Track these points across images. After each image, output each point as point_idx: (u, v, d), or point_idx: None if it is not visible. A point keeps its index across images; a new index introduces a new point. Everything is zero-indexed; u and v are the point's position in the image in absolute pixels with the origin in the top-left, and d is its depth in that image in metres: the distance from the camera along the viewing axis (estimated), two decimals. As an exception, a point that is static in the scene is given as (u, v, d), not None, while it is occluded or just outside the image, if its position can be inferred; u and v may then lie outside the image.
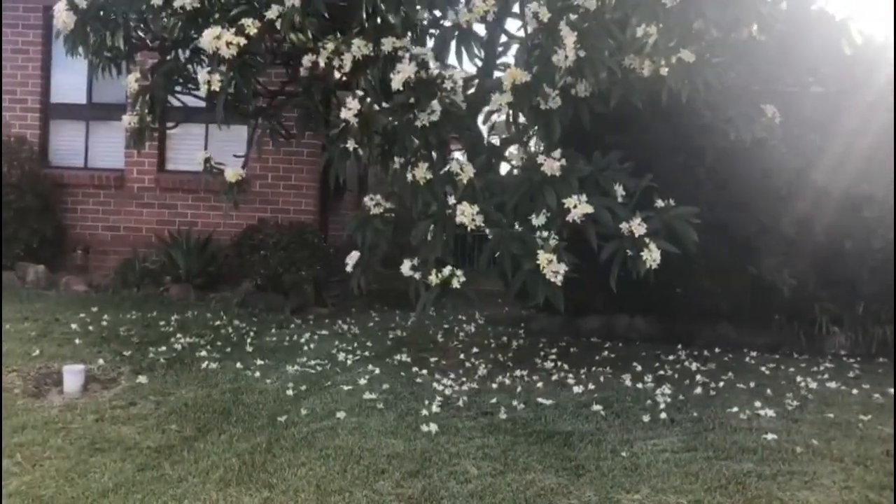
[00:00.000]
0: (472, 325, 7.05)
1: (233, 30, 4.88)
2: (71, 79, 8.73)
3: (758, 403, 4.60)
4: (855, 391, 5.05)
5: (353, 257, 5.52)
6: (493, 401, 4.59)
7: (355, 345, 6.03)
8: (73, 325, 6.04)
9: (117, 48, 5.77)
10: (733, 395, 4.89)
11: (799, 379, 5.31)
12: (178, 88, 5.92)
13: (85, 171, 8.69)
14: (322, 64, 5.00)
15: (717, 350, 6.35)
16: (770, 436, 4.02)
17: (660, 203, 5.09)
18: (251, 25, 4.89)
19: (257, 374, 5.05)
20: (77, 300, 7.25)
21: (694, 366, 5.66)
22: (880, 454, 3.85)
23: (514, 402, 4.54)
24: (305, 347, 5.89)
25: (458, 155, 7.20)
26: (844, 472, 3.60)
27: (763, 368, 5.69)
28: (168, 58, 6.02)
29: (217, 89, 4.90)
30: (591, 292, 6.48)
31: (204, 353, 5.53)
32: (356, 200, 9.83)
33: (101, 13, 5.69)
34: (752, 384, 5.14)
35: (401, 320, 7.27)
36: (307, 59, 5.19)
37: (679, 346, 6.37)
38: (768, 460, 3.72)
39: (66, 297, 7.41)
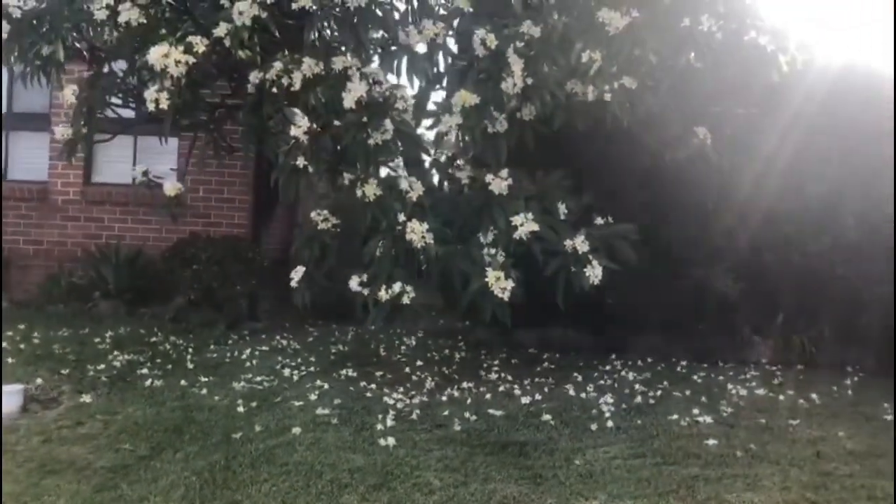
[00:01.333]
0: (411, 338, 7.12)
1: (181, 47, 4.84)
2: (-13, 87, 8.41)
3: (696, 410, 4.84)
4: (781, 397, 5.36)
5: (297, 272, 5.51)
6: (446, 413, 4.68)
7: (299, 360, 6.02)
8: (3, 344, 5.82)
9: (49, 57, 5.63)
10: (671, 402, 5.12)
11: (730, 386, 5.60)
12: (116, 101, 5.81)
13: (5, 182, 8.36)
14: (271, 81, 5.00)
15: (649, 360, 6.61)
16: (711, 441, 4.24)
17: (599, 220, 5.31)
18: (199, 43, 4.86)
19: (204, 391, 5.00)
20: None
21: (630, 375, 5.89)
22: (811, 456, 4.11)
23: (466, 414, 4.64)
24: (248, 363, 5.85)
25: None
26: (782, 473, 3.84)
27: (695, 377, 5.97)
28: (104, 70, 5.92)
29: (165, 106, 4.85)
30: (526, 305, 6.68)
31: (145, 370, 5.42)
32: (288, 214, 9.80)
33: (35, 22, 5.55)
34: (687, 392, 5.39)
35: (340, 335, 7.27)
36: (254, 76, 5.18)
37: (613, 356, 6.60)
38: (712, 464, 3.93)
39: (-12, 314, 7.11)
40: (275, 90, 5.04)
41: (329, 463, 3.81)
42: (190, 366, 5.67)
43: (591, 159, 6.46)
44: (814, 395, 5.36)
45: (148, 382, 5.12)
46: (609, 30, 4.81)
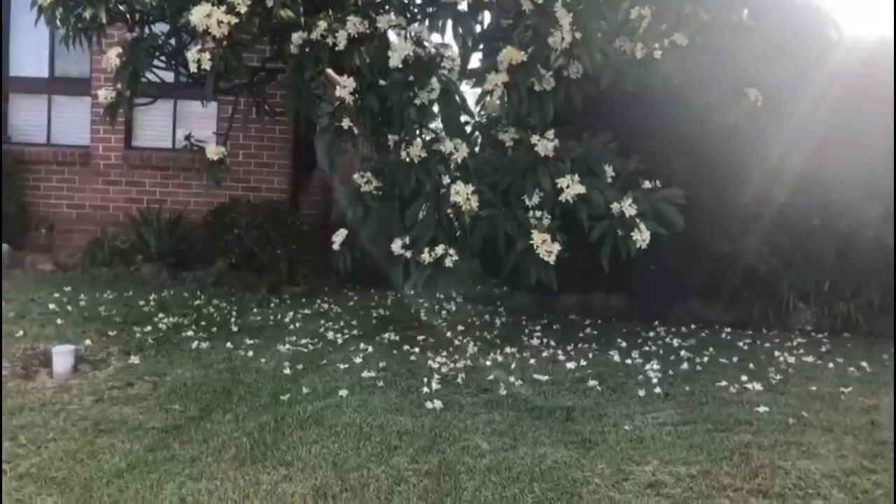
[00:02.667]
0: (451, 303, 7.10)
1: (223, 7, 4.80)
2: (30, 52, 8.45)
3: (744, 377, 4.77)
4: (830, 365, 5.27)
5: (339, 235, 5.50)
6: (490, 377, 4.67)
7: (341, 323, 6.03)
8: (51, 305, 5.90)
9: (92, 20, 5.62)
10: (718, 369, 5.06)
11: (776, 354, 5.51)
12: (159, 64, 5.80)
13: (47, 147, 8.43)
14: (315, 41, 4.95)
15: (692, 326, 6.53)
16: (762, 408, 4.18)
17: (647, 184, 5.20)
18: (241, 3, 4.81)
19: (250, 353, 5.02)
20: (46, 280, 7.07)
21: (675, 342, 5.82)
22: (865, 424, 4.03)
23: (512, 379, 4.62)
24: (291, 326, 5.87)
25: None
26: (836, 441, 3.77)
27: (740, 344, 5.88)
28: (146, 32, 5.90)
29: (208, 68, 4.81)
30: (567, 270, 6.61)
31: (190, 332, 5.46)
32: (326, 179, 9.79)
33: (80, -15, 5.54)
34: (734, 359, 5.32)
35: (380, 299, 7.27)
36: (297, 37, 5.13)
37: (656, 323, 6.53)
38: (764, 431, 3.87)
39: (34, 277, 7.22)
40: (318, 51, 4.99)
41: (377, 425, 3.82)
42: (234, 329, 5.70)
43: (637, 122, 6.32)
44: (864, 363, 5.27)
45: (194, 345, 5.15)
46: (660, -15, 4.68)
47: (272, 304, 6.73)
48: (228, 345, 5.19)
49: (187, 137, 5.98)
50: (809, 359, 5.40)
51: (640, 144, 6.07)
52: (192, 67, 4.90)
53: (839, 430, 3.93)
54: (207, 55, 4.84)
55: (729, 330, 6.49)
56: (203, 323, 5.80)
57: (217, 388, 4.32)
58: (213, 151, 5.71)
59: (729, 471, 3.39)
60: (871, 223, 6.84)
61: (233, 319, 5.96)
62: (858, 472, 3.40)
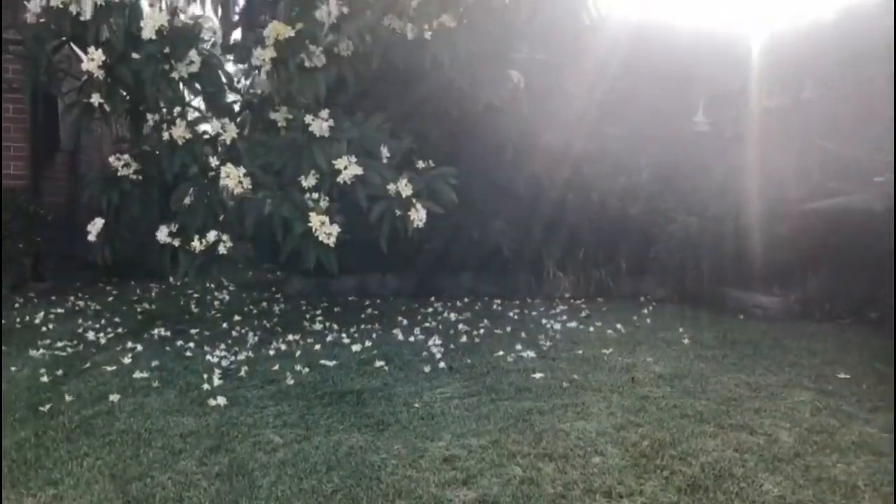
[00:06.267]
0: (223, 292, 6.77)
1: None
2: None
3: (518, 346, 5.01)
4: (591, 329, 5.69)
5: (95, 225, 5.05)
6: (275, 367, 4.50)
7: (102, 321, 5.52)
8: None
9: None
10: (494, 340, 5.27)
11: (544, 321, 5.86)
12: None
13: None
14: (56, 9, 4.44)
15: (465, 300, 6.75)
16: (538, 374, 4.41)
17: (420, 164, 5.28)
18: (-35, -39, 4.20)
19: (-3, 361, 4.45)
20: None
21: (452, 316, 5.99)
22: (627, 382, 4.40)
23: (298, 367, 4.49)
24: (44, 328, 5.28)
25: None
26: (605, 400, 4.06)
27: (510, 314, 6.18)
28: None
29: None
30: (342, 252, 6.58)
31: (-83, 343, 4.74)
32: (70, 161, 8.90)
33: None
34: (508, 329, 5.57)
35: (142, 292, 6.77)
36: (35, 4, 4.57)
37: (432, 299, 6.67)
38: (543, 397, 4.08)
39: None
40: (60, 19, 4.49)
41: (157, 429, 3.53)
42: (-28, 334, 5.03)
43: (406, 102, 6.39)
44: (619, 325, 5.75)
45: (-78, 357, 4.47)
46: (426, -35, 4.74)
47: (17, 305, 6.01)
48: (-32, 353, 4.57)
49: None
50: (573, 324, 5.80)
51: (410, 125, 6.16)
52: None
53: (606, 389, 4.24)
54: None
55: (499, 301, 6.80)
56: (-69, 332, 5.05)
57: (-42, 404, 3.77)
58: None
59: (516, 438, 3.53)
60: (617, 195, 7.48)
61: (-30, 324, 5.26)
62: (627, 427, 3.68)
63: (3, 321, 5.44)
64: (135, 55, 4.59)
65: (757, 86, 7.01)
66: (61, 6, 4.45)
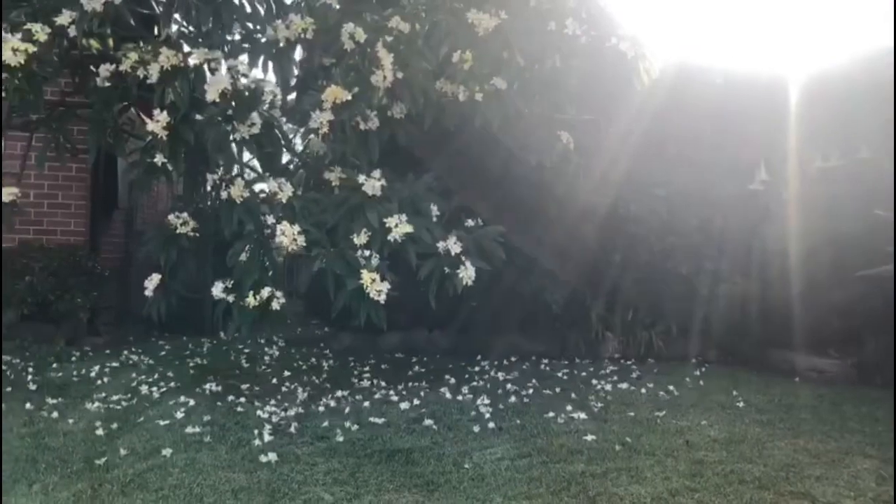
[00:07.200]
0: (272, 347, 6.84)
1: (19, 35, 4.38)
2: None
3: (569, 407, 4.95)
4: (643, 390, 5.60)
5: (152, 280, 5.14)
6: (325, 424, 4.51)
7: (155, 376, 5.61)
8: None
9: None
10: (544, 400, 5.21)
11: (594, 382, 5.79)
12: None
13: None
14: (124, 74, 4.63)
15: (512, 359, 6.71)
16: (589, 437, 4.35)
17: (469, 223, 5.32)
18: (40, 32, 4.42)
19: (54, 414, 4.53)
20: None
21: (500, 375, 5.95)
22: (682, 445, 4.30)
23: (347, 424, 4.49)
24: (99, 381, 5.38)
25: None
26: (659, 464, 3.98)
27: (559, 374, 6.12)
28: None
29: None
30: (390, 309, 6.63)
31: (-23, 395, 4.86)
32: (127, 219, 9.16)
33: None
34: (556, 389, 5.51)
35: (194, 347, 6.86)
36: (105, 69, 4.78)
37: (479, 358, 6.65)
38: (595, 459, 4.02)
39: None
40: (128, 83, 4.68)
41: (209, 484, 3.55)
42: (32, 387, 5.13)
43: (455, 161, 6.48)
44: (670, 387, 5.64)
45: (-16, 408, 4.58)
46: (478, 31, 4.85)
47: (73, 358, 6.14)
48: (28, 405, 4.66)
49: (-29, 177, 5.33)
50: (624, 385, 5.71)
51: (458, 183, 6.24)
52: (-15, 100, 4.42)
53: (660, 453, 4.15)
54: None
55: (546, 361, 6.74)
56: (-8, 383, 5.18)
57: (18, 455, 3.84)
58: (7, 193, 5.15)
59: (569, 501, 3.47)
60: (666, 254, 7.42)
61: (29, 377, 5.37)
62: (682, 492, 3.60)
63: (60, 374, 5.55)
64: (198, 116, 4.75)
65: (809, 143, 6.93)
66: (130, 70, 4.64)
